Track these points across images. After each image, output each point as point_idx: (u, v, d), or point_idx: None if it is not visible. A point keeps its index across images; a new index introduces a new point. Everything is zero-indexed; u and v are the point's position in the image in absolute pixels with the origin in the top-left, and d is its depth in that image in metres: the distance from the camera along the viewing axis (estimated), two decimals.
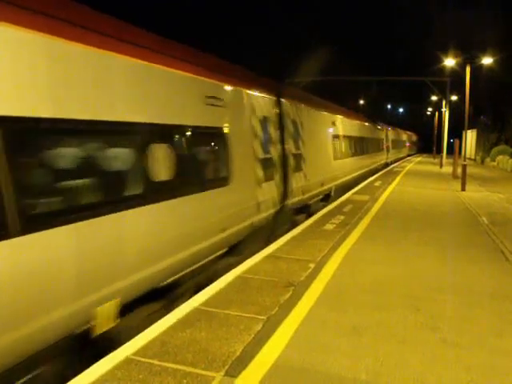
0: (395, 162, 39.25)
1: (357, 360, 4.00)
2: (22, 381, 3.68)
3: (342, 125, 17.13)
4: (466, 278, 6.49)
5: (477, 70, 26.53)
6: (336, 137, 16.00)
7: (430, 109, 68.38)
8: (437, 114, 49.91)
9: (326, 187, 13.73)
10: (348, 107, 27.07)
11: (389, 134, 35.48)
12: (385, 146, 32.52)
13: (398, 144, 44.61)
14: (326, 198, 14.26)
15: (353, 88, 58.13)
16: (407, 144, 57.42)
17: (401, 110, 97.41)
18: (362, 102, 68.11)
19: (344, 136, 17.45)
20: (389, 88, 71.75)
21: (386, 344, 4.33)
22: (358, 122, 21.87)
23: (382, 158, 30.80)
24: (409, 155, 57.08)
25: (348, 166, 18.00)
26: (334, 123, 15.61)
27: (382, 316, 5.01)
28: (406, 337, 4.51)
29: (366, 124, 24.56)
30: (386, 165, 32.95)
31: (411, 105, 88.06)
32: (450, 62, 28.81)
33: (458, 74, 27.24)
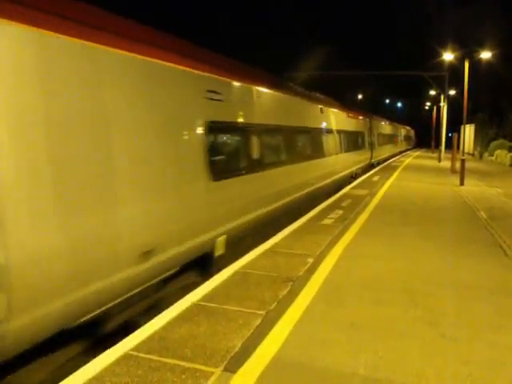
0: (386, 160, 32.74)
1: (355, 355, 4.00)
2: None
3: (252, 103, 8.61)
4: (464, 273, 6.49)
5: (476, 64, 26.50)
6: (235, 128, 7.80)
7: (428, 103, 68.14)
8: (435, 108, 49.95)
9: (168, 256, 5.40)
10: (347, 102, 26.24)
11: (375, 126, 27.36)
12: (367, 143, 24.45)
13: (389, 139, 37.14)
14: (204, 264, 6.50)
15: (352, 83, 58.09)
16: (401, 139, 49.78)
17: (399, 104, 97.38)
18: (360, 96, 68.04)
19: (267, 127, 9.15)
20: (388, 83, 71.58)
21: (385, 339, 4.33)
22: (306, 102, 12.95)
23: (361, 159, 22.69)
24: (403, 151, 49.49)
25: (275, 185, 9.28)
26: (214, 96, 6.77)
27: (380, 311, 5.01)
28: (404, 331, 4.51)
29: (328, 110, 15.31)
30: (371, 166, 25.90)
31: (410, 99, 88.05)
32: (448, 56, 28.77)
33: (457, 69, 27.21)
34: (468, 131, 41.86)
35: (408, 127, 62.35)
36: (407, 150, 56.67)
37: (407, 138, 58.87)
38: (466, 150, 32.60)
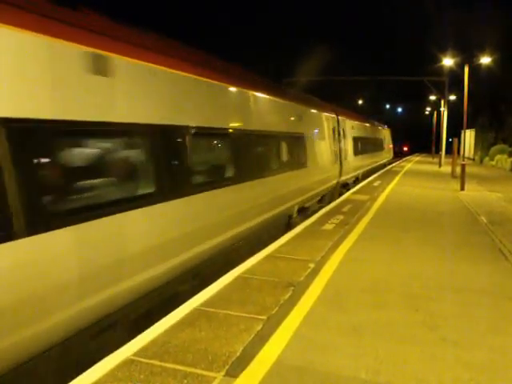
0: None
1: (357, 359, 4.01)
2: None
3: None
4: (464, 277, 6.51)
5: (476, 68, 26.59)
6: None
7: (428, 108, 68.02)
8: (435, 113, 49.97)
9: None
10: (346, 107, 25.73)
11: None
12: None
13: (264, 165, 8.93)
14: None
15: (352, 88, 58.18)
16: (341, 145, 16.96)
17: (400, 109, 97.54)
18: (360, 102, 68.21)
19: None
20: (388, 87, 71.60)
21: (386, 343, 4.34)
22: None
23: None
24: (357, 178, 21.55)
25: None
26: None
27: (381, 315, 5.02)
28: (405, 336, 4.53)
29: None
30: None
31: (410, 104, 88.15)
32: (448, 61, 28.86)
33: (457, 73, 27.29)
34: (468, 136, 41.94)
35: (376, 124, 32.46)
36: (373, 167, 26.79)
37: (372, 144, 27.06)
38: (467, 155, 32.69)
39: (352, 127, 20.07)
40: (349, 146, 18.71)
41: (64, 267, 3.95)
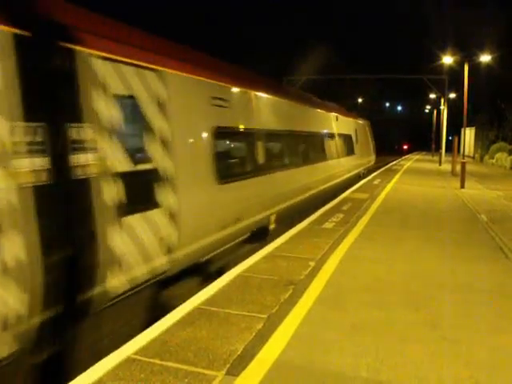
0: None
1: (357, 358, 4.01)
2: None
3: None
4: (465, 276, 6.50)
5: (476, 66, 26.56)
6: None
7: (428, 106, 67.85)
8: (435, 111, 49.83)
9: None
10: (345, 105, 25.59)
11: None
12: None
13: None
14: None
15: (352, 87, 58.10)
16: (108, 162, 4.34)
17: (399, 107, 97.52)
18: (360, 100, 68.15)
19: None
20: (388, 85, 71.38)
21: (386, 342, 4.34)
22: None
23: None
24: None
25: None
26: None
27: (381, 314, 5.02)
28: (406, 334, 4.53)
29: None
30: None
31: (410, 102, 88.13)
32: (448, 59, 28.82)
33: (457, 70, 27.26)
34: (468, 134, 41.93)
35: (333, 109, 17.14)
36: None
37: (314, 147, 13.49)
38: (467, 153, 32.66)
39: (221, 102, 7.08)
40: (181, 160, 5.72)
41: None
